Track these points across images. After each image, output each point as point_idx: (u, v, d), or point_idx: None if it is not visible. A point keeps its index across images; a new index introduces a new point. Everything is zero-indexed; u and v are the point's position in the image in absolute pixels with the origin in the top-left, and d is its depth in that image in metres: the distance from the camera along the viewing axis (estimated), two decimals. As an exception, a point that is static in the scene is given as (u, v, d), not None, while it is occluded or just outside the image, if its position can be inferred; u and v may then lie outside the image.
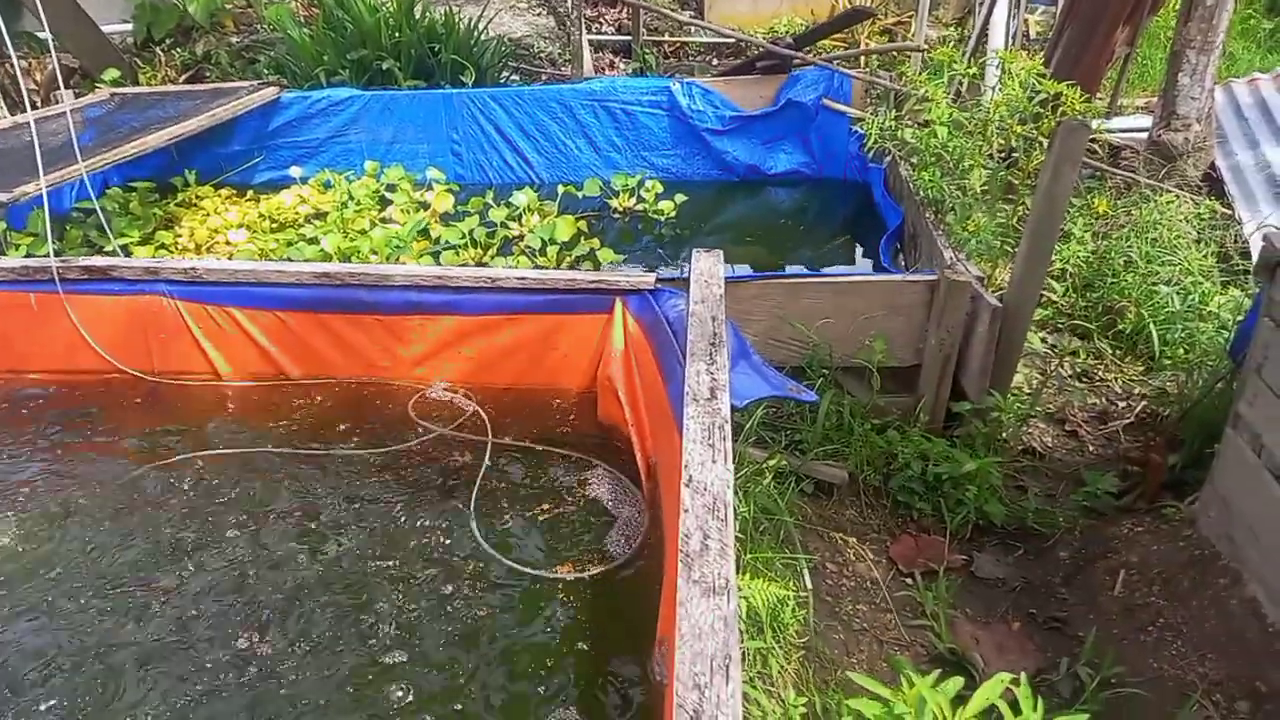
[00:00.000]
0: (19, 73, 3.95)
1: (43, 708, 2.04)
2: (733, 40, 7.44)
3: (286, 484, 2.76)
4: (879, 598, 2.95)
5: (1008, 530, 3.29)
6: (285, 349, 3.19)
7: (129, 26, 7.45)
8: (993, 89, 4.55)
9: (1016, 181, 4.23)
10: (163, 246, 4.79)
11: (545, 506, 2.67)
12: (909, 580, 3.04)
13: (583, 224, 5.18)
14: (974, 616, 2.95)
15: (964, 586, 3.04)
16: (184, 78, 7.11)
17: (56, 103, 5.74)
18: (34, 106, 5.58)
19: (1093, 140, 5.15)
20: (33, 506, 2.66)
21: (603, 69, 7.62)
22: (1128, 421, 3.81)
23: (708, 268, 2.97)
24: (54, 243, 3.68)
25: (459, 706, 2.05)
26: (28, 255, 4.29)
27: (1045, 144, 3.80)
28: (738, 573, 2.06)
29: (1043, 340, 4.29)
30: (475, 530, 2.56)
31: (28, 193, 3.99)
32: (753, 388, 2.49)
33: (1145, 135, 5.45)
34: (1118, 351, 4.24)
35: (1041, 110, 4.10)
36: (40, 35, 6.87)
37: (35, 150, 3.58)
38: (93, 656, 2.17)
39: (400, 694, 2.07)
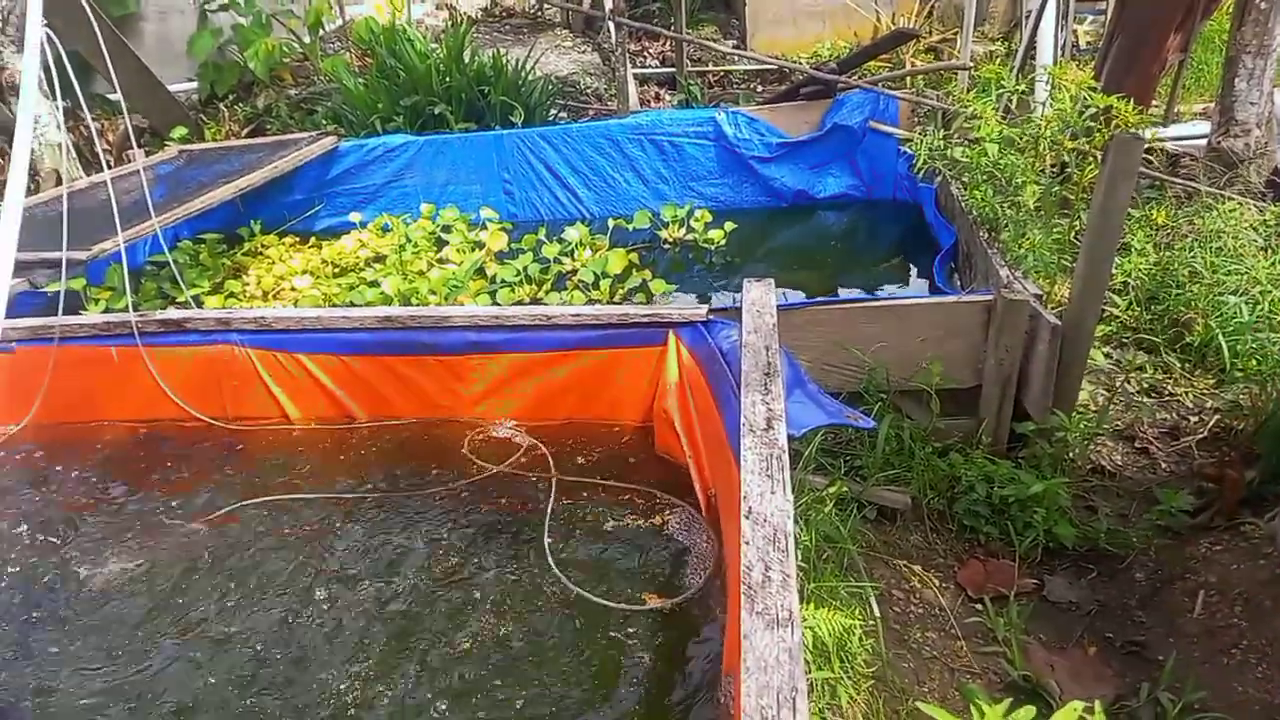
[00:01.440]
0: (94, 134, 4.16)
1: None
2: (776, 67, 7.49)
3: (359, 525, 2.84)
4: (948, 624, 2.90)
5: (1079, 552, 3.22)
6: (351, 392, 3.29)
7: (193, 85, 7.79)
8: (1043, 104, 4.51)
9: (1071, 196, 4.17)
10: (232, 295, 4.97)
11: (611, 538, 2.70)
12: (978, 606, 2.99)
13: (634, 256, 5.24)
14: (1048, 642, 2.88)
15: (1036, 611, 2.97)
16: (246, 131, 7.39)
17: (129, 162, 6.02)
18: (108, 166, 5.86)
19: (1149, 149, 5.06)
20: (122, 550, 2.78)
21: (648, 101, 7.72)
22: (1201, 436, 3.70)
23: (759, 296, 2.99)
24: (131, 296, 3.85)
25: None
26: (106, 309, 4.50)
27: (1099, 158, 3.75)
28: (802, 603, 2.05)
29: (1107, 356, 4.20)
30: (550, 561, 2.60)
31: (105, 249, 4.18)
32: (809, 416, 2.50)
33: (1204, 142, 5.33)
34: (1186, 365, 4.13)
35: (1093, 124, 4.04)
36: (111, 97, 7.21)
37: (113, 208, 3.76)
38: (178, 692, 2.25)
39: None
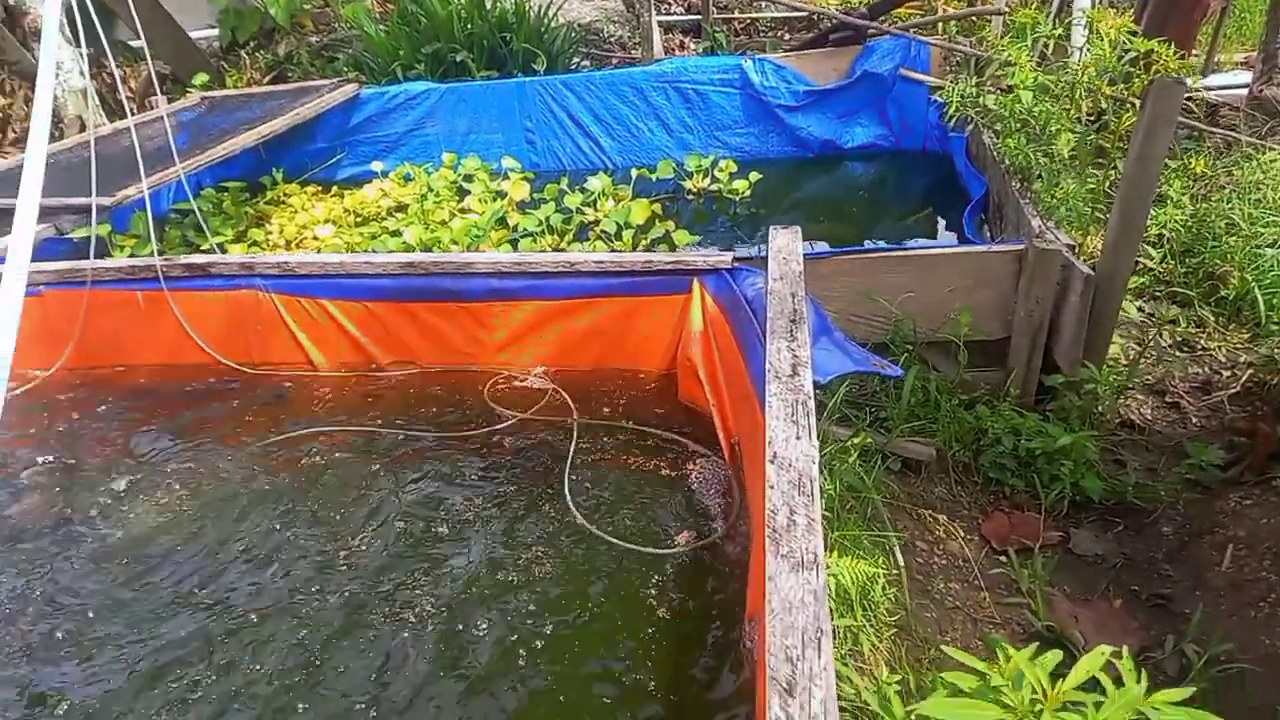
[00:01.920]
0: (118, 80, 4.14)
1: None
2: (805, 13, 7.32)
3: (382, 469, 2.85)
4: (972, 576, 2.89)
5: (1106, 506, 3.19)
6: (374, 338, 3.29)
7: (215, 31, 7.74)
8: (1080, 50, 4.38)
9: (1107, 145, 4.06)
10: (255, 244, 4.97)
11: (633, 484, 2.70)
12: (1003, 558, 2.97)
13: (657, 207, 5.18)
14: (1072, 594, 2.87)
15: (1061, 564, 2.96)
16: (268, 78, 7.35)
17: (151, 108, 6.01)
18: (132, 113, 5.86)
19: (1188, 98, 4.91)
20: (152, 492, 2.82)
21: (673, 50, 7.58)
22: (1233, 391, 3.64)
23: (785, 244, 2.95)
24: (155, 243, 3.85)
25: (549, 678, 2.09)
26: (132, 255, 4.51)
27: (1137, 105, 3.64)
28: (826, 550, 2.04)
29: (1139, 309, 4.12)
30: (570, 504, 2.60)
31: (130, 196, 4.18)
32: (835, 363, 2.47)
33: (1245, 92, 5.17)
34: (1220, 319, 4.04)
35: (1132, 70, 3.92)
36: (133, 44, 7.19)
37: (137, 154, 3.75)
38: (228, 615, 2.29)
39: (496, 662, 2.13)
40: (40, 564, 2.55)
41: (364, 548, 2.53)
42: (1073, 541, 3.07)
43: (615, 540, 2.48)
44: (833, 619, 2.35)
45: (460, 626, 2.25)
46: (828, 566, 2.24)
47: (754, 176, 5.48)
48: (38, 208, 2.76)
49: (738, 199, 5.45)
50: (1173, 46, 3.92)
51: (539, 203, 5.29)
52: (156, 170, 4.37)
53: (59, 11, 3.15)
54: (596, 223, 5.08)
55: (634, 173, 5.59)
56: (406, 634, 2.23)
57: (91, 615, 2.36)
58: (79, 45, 3.14)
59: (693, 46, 7.66)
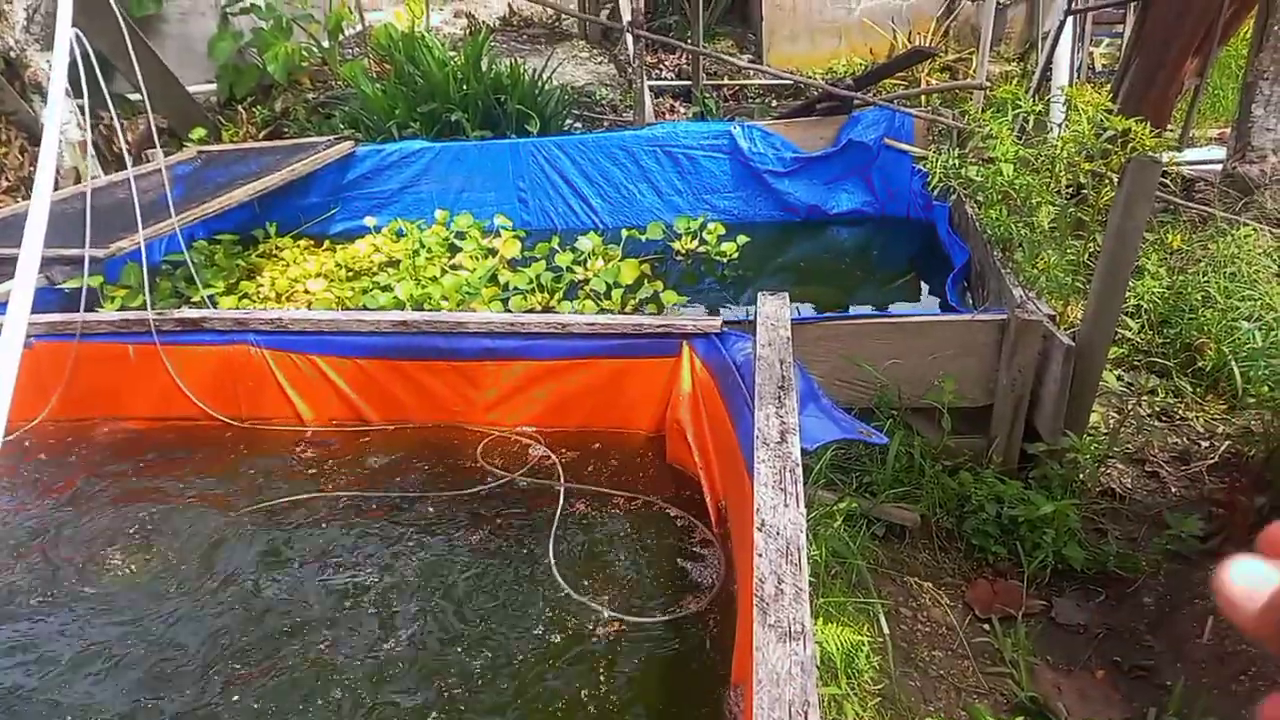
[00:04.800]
0: (119, 129, 4.19)
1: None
2: (791, 81, 7.52)
3: (366, 527, 2.84)
4: (956, 644, 2.90)
5: (1088, 575, 3.21)
6: (365, 395, 3.30)
7: (213, 86, 7.86)
8: (1059, 125, 4.52)
9: (1086, 218, 4.17)
10: (246, 296, 4.99)
11: (618, 550, 2.70)
12: (986, 626, 2.98)
13: (646, 267, 5.25)
14: (1055, 664, 2.87)
15: (1044, 633, 2.97)
16: (264, 133, 7.45)
17: (147, 161, 6.07)
18: (131, 164, 5.92)
19: (1165, 173, 5.06)
20: (130, 543, 2.79)
21: (663, 113, 7.76)
22: (1211, 462, 3.70)
23: (773, 310, 3.00)
24: (149, 296, 3.87)
25: (537, 749, 2.07)
26: (122, 307, 4.52)
27: (1115, 180, 3.75)
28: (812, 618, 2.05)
29: (1119, 379, 4.20)
30: (554, 570, 2.60)
31: (124, 248, 4.20)
32: (822, 431, 2.50)
33: (1219, 167, 5.34)
34: (1198, 389, 4.12)
35: (1110, 146, 4.05)
36: (131, 96, 7.28)
37: (135, 207, 3.78)
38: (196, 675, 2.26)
39: (479, 735, 2.11)
40: (17, 617, 2.51)
41: (343, 602, 2.52)
42: (1055, 610, 3.08)
43: (598, 607, 2.47)
44: (818, 688, 2.35)
45: (434, 685, 2.23)
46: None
47: (741, 239, 5.57)
48: (39, 262, 2.78)
49: (725, 261, 5.53)
50: (1149, 122, 4.06)
51: (530, 261, 5.35)
52: (151, 222, 4.41)
53: (65, 69, 3.21)
54: (586, 281, 5.14)
55: (624, 233, 5.68)
56: (376, 689, 2.21)
57: (62, 670, 2.33)
58: (79, 97, 3.18)
59: (683, 111, 7.84)
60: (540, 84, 6.61)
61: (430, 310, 4.52)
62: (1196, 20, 5.06)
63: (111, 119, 6.49)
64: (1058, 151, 4.09)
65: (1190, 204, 5.11)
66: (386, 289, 4.95)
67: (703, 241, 5.69)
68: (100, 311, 3.55)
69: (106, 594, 2.61)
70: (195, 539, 2.81)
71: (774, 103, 7.96)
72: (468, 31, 9.13)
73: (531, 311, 4.69)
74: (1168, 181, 5.07)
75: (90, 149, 5.65)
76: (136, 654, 2.39)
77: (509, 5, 10.05)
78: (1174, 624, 2.97)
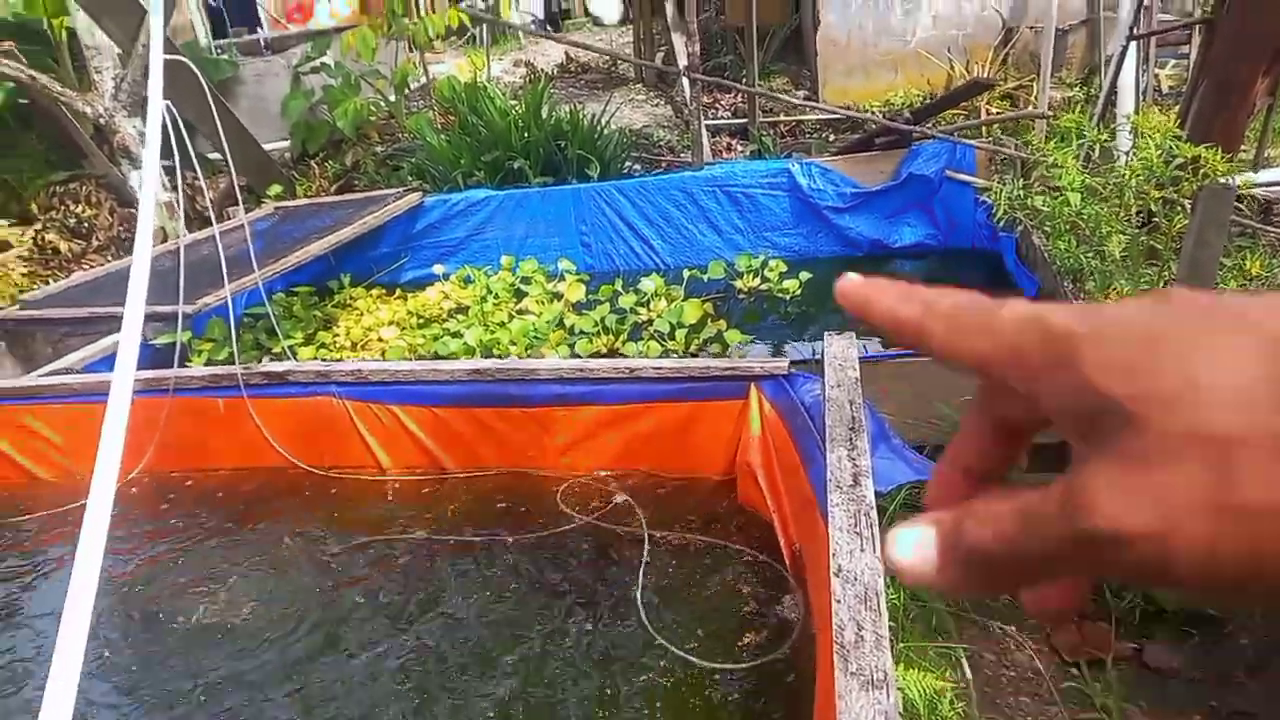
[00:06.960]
0: (204, 189, 4.42)
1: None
2: (848, 117, 7.54)
3: (450, 568, 2.91)
4: (1043, 689, 2.82)
5: (1180, 616, 3.10)
6: (441, 443, 3.39)
7: (286, 143, 8.21)
8: (1126, 153, 4.46)
9: (1159, 246, 4.09)
10: (323, 345, 5.17)
11: (696, 594, 2.71)
12: (1074, 670, 2.90)
13: (709, 306, 5.29)
14: (1148, 710, 2.78)
15: (1135, 677, 2.87)
16: (335, 186, 7.73)
17: (229, 218, 6.35)
18: (216, 222, 6.21)
19: (1240, 196, 4.94)
20: (231, 587, 2.90)
21: (720, 152, 7.83)
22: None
23: (841, 350, 3.00)
24: (236, 348, 4.04)
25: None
26: (208, 362, 4.72)
27: (1187, 207, 3.68)
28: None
29: (1201, 408, 4.07)
30: (643, 616, 2.62)
31: (209, 303, 4.41)
32: (895, 472, 2.49)
33: (1298, 187, 5.18)
34: (1286, 418, 3.97)
35: (1180, 173, 3.98)
36: (211, 156, 7.64)
37: (221, 263, 3.97)
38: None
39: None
40: (117, 668, 2.63)
41: (431, 644, 2.57)
42: (1146, 653, 2.99)
43: (685, 654, 2.48)
44: (901, 734, 2.32)
45: (527, 737, 2.26)
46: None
47: (804, 275, 5.58)
48: (141, 324, 2.93)
49: (788, 298, 5.54)
50: (1220, 146, 3.98)
51: (594, 303, 5.43)
52: (235, 277, 4.61)
53: (159, 140, 3.40)
54: (650, 322, 5.20)
55: (686, 273, 5.73)
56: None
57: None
58: (174, 159, 3.38)
59: (740, 149, 7.91)
60: (599, 128, 6.75)
61: (499, 355, 4.62)
62: (1265, 39, 4.95)
63: (195, 179, 6.81)
64: (1126, 180, 4.04)
65: (1268, 228, 4.97)
66: (456, 335, 5.08)
67: (765, 279, 5.71)
68: (191, 366, 3.72)
69: (200, 641, 2.71)
70: (287, 581, 2.91)
71: (831, 138, 7.98)
72: (527, 80, 9.38)
73: (598, 355, 4.76)
74: (1243, 205, 4.95)
75: (181, 208, 5.94)
76: (234, 697, 2.47)
77: (565, 53, 10.30)
78: (1275, 667, 2.85)
